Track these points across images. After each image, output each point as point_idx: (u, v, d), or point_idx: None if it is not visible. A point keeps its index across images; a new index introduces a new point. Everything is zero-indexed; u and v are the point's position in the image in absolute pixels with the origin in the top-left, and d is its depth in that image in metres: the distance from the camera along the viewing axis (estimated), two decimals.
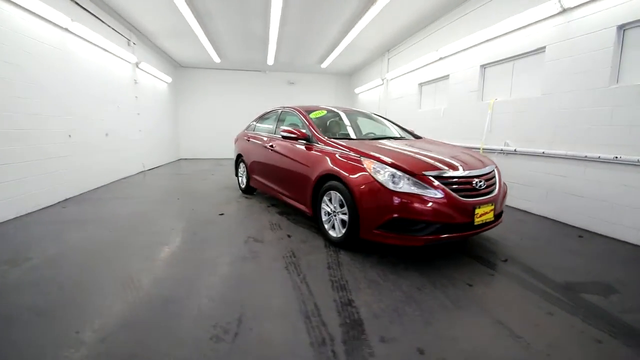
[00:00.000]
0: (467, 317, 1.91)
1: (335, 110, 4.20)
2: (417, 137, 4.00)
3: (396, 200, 2.44)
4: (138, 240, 3.09)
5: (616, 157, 3.22)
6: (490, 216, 2.66)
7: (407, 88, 7.76)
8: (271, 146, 4.20)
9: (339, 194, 2.87)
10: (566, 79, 3.77)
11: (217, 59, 9.50)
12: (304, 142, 3.53)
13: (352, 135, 3.80)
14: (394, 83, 8.52)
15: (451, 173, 2.61)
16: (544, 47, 4.06)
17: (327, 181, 3.06)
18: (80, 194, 5.11)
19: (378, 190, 2.52)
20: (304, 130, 3.57)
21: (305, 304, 1.99)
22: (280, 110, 4.56)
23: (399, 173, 2.52)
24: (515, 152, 4.47)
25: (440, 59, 6.23)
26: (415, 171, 2.54)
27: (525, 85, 4.45)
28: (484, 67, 5.22)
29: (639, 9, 3.06)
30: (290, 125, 4.32)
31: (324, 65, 10.31)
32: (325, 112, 3.99)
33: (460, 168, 2.68)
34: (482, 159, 3.05)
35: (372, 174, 2.58)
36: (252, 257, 2.71)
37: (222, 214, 4.06)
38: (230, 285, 2.23)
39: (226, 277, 2.35)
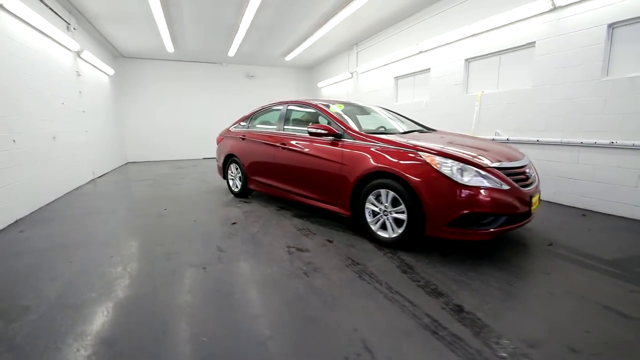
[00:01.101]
0: (571, 305, 1.92)
1: (349, 103, 3.99)
2: (432, 130, 4.01)
3: (468, 194, 2.38)
4: (170, 277, 2.54)
5: (612, 142, 3.61)
6: (538, 205, 2.76)
7: (381, 81, 7.84)
8: (282, 144, 3.83)
9: (392, 192, 2.71)
10: (558, 72, 4.11)
11: (170, 49, 8.47)
12: (332, 138, 3.27)
13: (376, 129, 3.63)
14: (365, 76, 8.55)
15: (508, 164, 2.64)
16: (534, 42, 4.37)
17: (371, 180, 2.87)
18: (34, 211, 4.10)
19: (447, 185, 2.42)
20: (331, 126, 3.30)
21: (418, 317, 1.81)
22: (284, 106, 4.18)
23: (466, 166, 2.46)
24: (507, 141, 4.78)
25: (421, 52, 6.38)
26: (481, 163, 2.50)
27: (514, 78, 4.77)
28: (468, 60, 5.47)
29: (627, 9, 3.44)
30: (299, 121, 4.02)
31: (289, 58, 9.92)
32: (343, 106, 3.76)
33: (511, 159, 2.73)
34: (515, 150, 3.15)
35: (438, 169, 2.47)
36: (312, 270, 2.41)
37: (234, 223, 3.59)
38: (323, 309, 1.92)
39: (309, 301, 2.02)
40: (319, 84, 11.22)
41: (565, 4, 3.92)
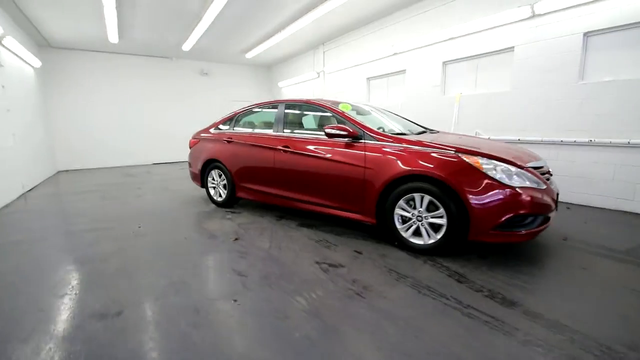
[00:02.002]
0: (634, 299, 1.95)
1: (352, 104, 3.76)
2: (434, 131, 3.98)
3: (515, 196, 2.32)
4: (197, 319, 2.02)
5: (590, 140, 3.95)
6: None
7: (351, 82, 7.77)
8: (285, 147, 3.45)
9: (428, 197, 2.55)
10: (536, 75, 4.40)
11: (114, 39, 7.34)
12: (349, 140, 3.01)
13: (393, 129, 3.42)
14: (333, 77, 8.41)
15: (537, 163, 2.67)
16: (513, 47, 4.63)
17: (401, 184, 2.68)
18: None
19: (494, 188, 2.33)
20: (347, 127, 3.02)
21: (511, 334, 1.65)
22: (280, 106, 3.77)
23: (511, 168, 2.40)
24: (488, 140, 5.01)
25: (396, 54, 6.43)
26: (522, 164, 2.47)
27: (493, 81, 5.02)
28: (446, 63, 5.64)
29: (600, 20, 3.78)
30: (302, 122, 3.69)
31: (250, 55, 9.34)
32: (350, 106, 3.51)
33: (536, 158, 2.77)
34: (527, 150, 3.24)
35: (485, 171, 2.37)
36: (363, 289, 2.12)
37: (236, 239, 3.11)
38: (408, 339, 1.65)
39: (387, 330, 1.73)
40: (280, 84, 10.81)
41: (544, 12, 4.20)
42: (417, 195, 2.62)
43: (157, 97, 9.77)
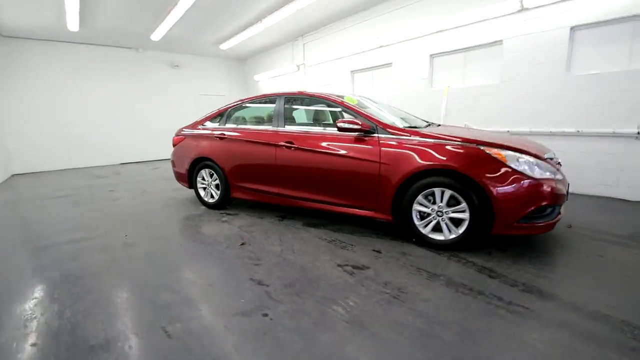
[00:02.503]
0: None
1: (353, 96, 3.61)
2: (435, 124, 3.94)
3: (538, 187, 2.31)
4: (233, 339, 1.77)
5: (578, 131, 4.12)
6: None
7: (334, 75, 7.62)
8: (288, 144, 3.23)
9: (449, 191, 2.48)
10: (525, 68, 4.51)
11: (74, 26, 6.58)
12: (360, 134, 2.86)
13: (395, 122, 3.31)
14: (315, 70, 8.20)
15: (551, 154, 2.69)
16: (502, 41, 4.71)
17: (420, 179, 2.59)
18: None
19: (519, 180, 2.30)
20: (360, 121, 2.87)
21: (578, 332, 1.62)
22: (279, 99, 3.53)
23: (531, 159, 2.39)
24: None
25: (382, 46, 6.36)
26: (542, 155, 2.47)
27: (482, 74, 5.09)
28: (433, 56, 5.65)
29: (586, 15, 3.92)
30: (300, 116, 3.49)
31: (225, 46, 8.86)
32: (356, 100, 3.36)
33: (546, 150, 2.80)
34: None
35: (509, 163, 2.34)
36: (399, 292, 2.00)
37: (243, 244, 2.87)
38: (468, 347, 1.55)
39: (443, 338, 1.62)
40: (256, 77, 10.41)
41: (532, 7, 4.30)
42: (437, 190, 2.54)
43: (123, 91, 9.00)
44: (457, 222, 2.54)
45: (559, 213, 2.47)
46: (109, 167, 8.58)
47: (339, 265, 2.40)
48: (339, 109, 3.16)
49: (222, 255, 2.63)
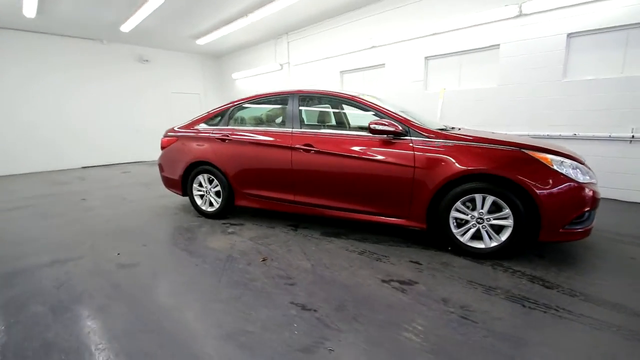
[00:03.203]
0: None
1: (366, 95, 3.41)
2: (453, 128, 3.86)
3: (584, 192, 2.26)
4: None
5: (575, 134, 4.28)
6: None
7: (322, 75, 7.41)
8: (307, 146, 2.95)
9: (492, 197, 2.37)
10: (522, 72, 4.61)
11: (31, 13, 5.73)
12: (392, 137, 2.67)
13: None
14: (300, 69, 7.94)
15: (582, 159, 2.68)
16: (499, 45, 4.79)
17: (458, 184, 2.45)
18: None
19: (566, 185, 2.24)
20: (395, 123, 2.67)
21: None
22: (291, 98, 3.22)
23: (574, 163, 2.34)
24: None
25: (374, 47, 6.26)
26: (580, 159, 2.44)
27: (478, 77, 5.15)
28: (428, 58, 5.64)
29: (582, 22, 4.07)
30: (318, 117, 3.25)
31: (202, 41, 8.29)
32: (376, 98, 3.16)
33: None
34: None
35: (555, 167, 2.27)
36: (464, 311, 1.82)
37: (264, 259, 2.55)
38: None
39: None
40: (235, 75, 9.91)
41: (530, 12, 4.40)
42: (478, 196, 2.41)
43: (84, 87, 8.08)
44: (496, 230, 2.44)
45: (594, 218, 2.46)
46: (69, 171, 7.63)
47: (383, 281, 2.18)
48: (364, 109, 2.94)
49: (247, 275, 2.30)
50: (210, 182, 3.57)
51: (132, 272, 2.39)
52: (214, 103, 10.61)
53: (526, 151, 2.36)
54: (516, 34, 4.60)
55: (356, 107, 3.00)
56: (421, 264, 2.43)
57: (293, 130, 3.10)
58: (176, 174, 3.73)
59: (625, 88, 3.90)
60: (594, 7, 3.97)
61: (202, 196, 3.68)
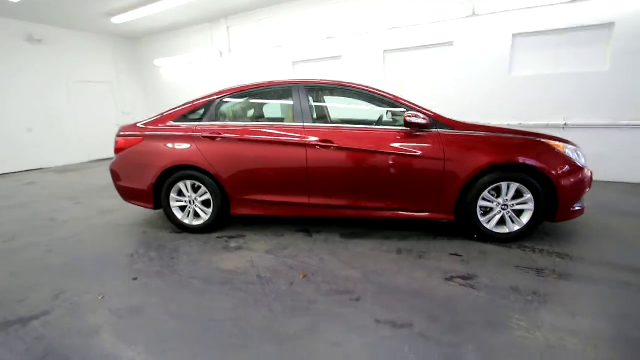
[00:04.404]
0: None
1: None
2: None
3: (585, 173, 2.56)
4: None
5: (520, 124, 4.91)
6: None
7: (271, 65, 6.94)
8: (325, 142, 2.65)
9: (516, 184, 2.51)
10: (474, 68, 5.08)
11: None
12: (419, 130, 2.60)
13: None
14: (244, 58, 7.30)
15: None
16: (452, 42, 5.17)
17: (486, 174, 2.54)
18: None
19: (575, 169, 2.50)
20: (423, 115, 2.58)
21: None
22: (296, 89, 2.84)
23: (577, 149, 2.62)
24: None
25: (330, 37, 6.10)
26: (576, 144, 2.74)
27: (434, 71, 5.47)
28: (386, 52, 5.76)
29: (524, 26, 4.66)
30: (330, 110, 2.99)
31: (119, 20, 6.88)
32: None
33: None
34: None
35: (567, 154, 2.51)
36: (545, 298, 1.88)
37: (305, 276, 2.21)
38: None
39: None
40: (158, 62, 8.57)
41: (482, 14, 4.83)
42: (504, 184, 2.54)
43: None
44: (518, 215, 2.61)
45: None
46: None
47: (447, 280, 2.11)
48: (384, 101, 2.78)
49: (300, 298, 1.95)
50: (196, 190, 2.96)
51: (141, 323, 1.79)
52: (131, 94, 9.07)
53: (543, 140, 2.56)
54: (469, 32, 5.02)
55: (372, 99, 2.84)
56: (461, 256, 2.45)
57: (305, 124, 2.76)
58: (144, 182, 2.99)
59: (556, 83, 4.64)
60: (535, 11, 4.57)
61: (183, 208, 3.03)
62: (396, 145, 2.61)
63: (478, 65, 5.04)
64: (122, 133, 3.12)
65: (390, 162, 2.62)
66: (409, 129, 2.61)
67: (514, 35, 4.78)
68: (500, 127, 2.70)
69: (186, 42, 8.06)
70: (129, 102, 8.99)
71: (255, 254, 2.58)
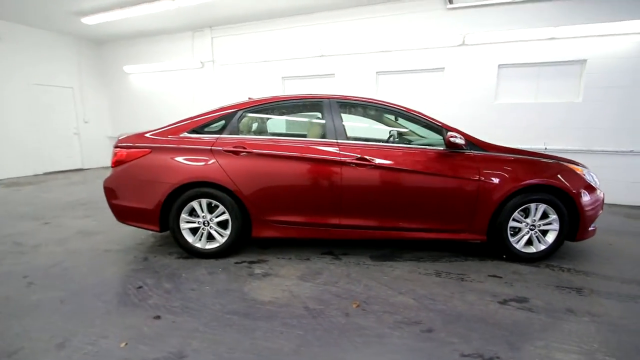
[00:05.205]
0: None
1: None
2: None
3: (600, 195, 2.74)
4: None
5: None
6: None
7: (258, 80, 6.78)
8: (362, 160, 2.55)
9: (544, 205, 2.60)
10: (463, 94, 5.38)
11: None
12: (449, 151, 2.61)
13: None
14: (229, 70, 7.04)
15: None
16: (444, 68, 5.45)
17: (515, 195, 2.60)
18: None
19: (593, 190, 2.66)
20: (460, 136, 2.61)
21: None
22: (327, 102, 2.75)
23: (591, 172, 2.80)
24: None
25: (323, 55, 6.12)
26: (588, 167, 2.93)
27: (425, 95, 5.69)
28: (379, 73, 5.91)
29: (509, 57, 5.07)
30: (364, 127, 2.93)
31: (91, 21, 6.29)
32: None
33: None
34: None
35: (585, 176, 2.66)
36: (599, 317, 1.90)
37: (358, 305, 2.03)
38: None
39: None
40: (128, 69, 7.97)
41: (471, 44, 5.18)
42: (532, 205, 2.62)
43: None
44: (543, 235, 2.70)
45: None
46: None
47: (501, 303, 2.07)
48: (414, 122, 2.77)
49: (365, 332, 1.76)
50: (212, 209, 2.66)
51: None
52: (95, 101, 8.27)
53: (564, 163, 2.70)
54: (459, 61, 5.34)
55: (408, 119, 2.84)
56: (501, 277, 2.44)
57: (339, 141, 2.64)
58: (150, 201, 2.61)
59: (537, 111, 5.06)
60: (517, 45, 4.99)
61: (194, 230, 2.69)
62: (434, 165, 2.60)
63: (467, 91, 5.35)
64: (123, 144, 2.72)
65: (428, 182, 2.59)
66: (445, 149, 2.63)
67: (500, 66, 5.17)
68: (524, 150, 2.81)
69: (163, 50, 7.60)
70: (92, 109, 8.15)
71: (288, 281, 2.34)
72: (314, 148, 2.63)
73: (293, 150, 2.62)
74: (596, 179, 2.79)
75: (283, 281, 2.34)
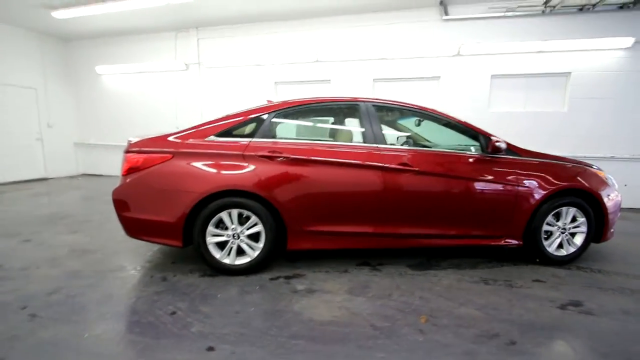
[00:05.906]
0: None
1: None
2: None
3: (619, 197, 2.87)
4: None
5: None
6: None
7: (249, 84, 6.51)
8: (404, 166, 2.45)
9: (574, 208, 2.68)
10: (458, 102, 5.54)
11: None
12: (492, 156, 2.62)
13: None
14: (217, 73, 6.70)
15: None
16: (439, 77, 5.59)
17: (549, 200, 2.65)
18: None
19: (614, 194, 2.79)
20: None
21: None
22: (364, 106, 2.65)
23: (610, 176, 2.94)
24: None
25: (318, 61, 6.02)
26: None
27: (421, 102, 5.77)
28: (376, 80, 5.92)
29: (500, 68, 5.32)
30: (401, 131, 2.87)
31: (61, 15, 5.68)
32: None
33: None
34: None
35: (606, 180, 2.78)
36: None
37: (426, 320, 1.90)
38: None
39: None
40: (100, 69, 7.31)
41: (466, 54, 5.37)
42: (564, 209, 2.68)
43: None
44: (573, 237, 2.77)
45: None
46: None
47: (560, 309, 2.06)
48: (453, 125, 2.75)
49: (448, 350, 1.64)
50: (243, 221, 2.41)
51: None
52: (60, 103, 7.49)
53: (589, 168, 2.81)
54: (454, 70, 5.50)
55: (445, 124, 2.84)
56: (544, 281, 2.45)
57: (379, 146, 2.52)
58: (173, 213, 2.31)
59: (527, 119, 5.34)
60: (508, 57, 5.25)
61: (222, 244, 2.42)
62: (478, 170, 2.58)
63: (461, 100, 5.52)
64: (137, 148, 2.40)
65: (470, 188, 2.56)
66: (484, 154, 2.62)
67: (492, 76, 5.40)
68: (552, 154, 2.88)
69: (142, 50, 7.07)
70: (57, 112, 7.34)
71: (338, 297, 2.16)
72: (355, 152, 2.49)
73: (333, 156, 2.46)
74: (615, 183, 2.93)
75: (333, 297, 2.15)
